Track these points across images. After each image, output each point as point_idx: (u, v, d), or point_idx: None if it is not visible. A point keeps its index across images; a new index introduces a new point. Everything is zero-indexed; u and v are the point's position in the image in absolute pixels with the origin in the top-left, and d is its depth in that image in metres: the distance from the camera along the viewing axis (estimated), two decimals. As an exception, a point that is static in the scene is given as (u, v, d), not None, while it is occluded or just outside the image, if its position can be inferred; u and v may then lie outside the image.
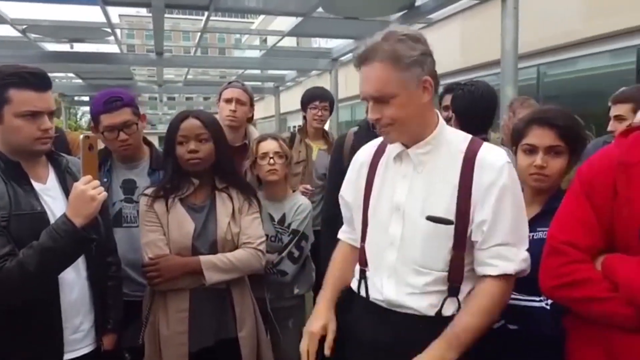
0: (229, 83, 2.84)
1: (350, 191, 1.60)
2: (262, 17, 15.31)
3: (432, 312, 1.36)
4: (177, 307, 1.87)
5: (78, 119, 18.92)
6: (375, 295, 1.44)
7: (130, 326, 1.92)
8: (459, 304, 1.36)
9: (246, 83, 2.90)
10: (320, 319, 1.51)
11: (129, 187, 2.16)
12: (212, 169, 1.98)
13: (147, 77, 9.55)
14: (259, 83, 10.01)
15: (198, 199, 1.98)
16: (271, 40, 6.76)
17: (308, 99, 3.29)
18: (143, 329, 1.92)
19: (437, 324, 1.33)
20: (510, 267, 1.32)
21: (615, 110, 2.18)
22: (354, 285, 1.54)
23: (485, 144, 1.40)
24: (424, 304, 1.36)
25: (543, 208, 1.56)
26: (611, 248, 1.19)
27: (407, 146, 1.41)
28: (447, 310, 1.35)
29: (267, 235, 2.16)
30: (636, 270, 1.09)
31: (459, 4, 5.62)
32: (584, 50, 6.01)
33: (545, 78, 6.68)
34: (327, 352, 1.45)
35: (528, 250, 1.43)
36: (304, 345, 1.48)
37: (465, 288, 1.37)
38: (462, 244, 1.34)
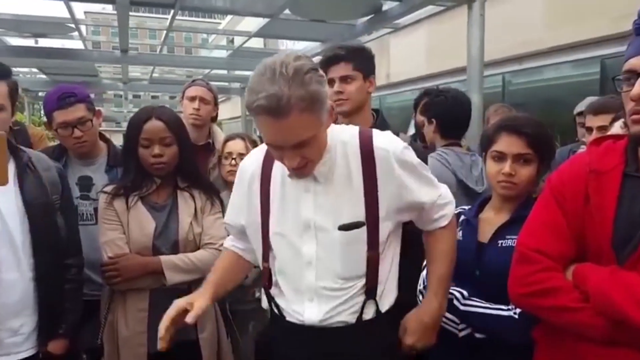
0: (193, 81, 2.79)
1: (242, 213, 1.44)
2: (229, 17, 15.20)
3: (353, 320, 1.33)
4: (137, 306, 1.85)
5: (42, 115, 18.32)
6: (293, 318, 1.37)
7: (88, 326, 1.89)
8: (377, 306, 1.35)
9: (212, 83, 2.84)
10: (190, 298, 1.43)
11: (85, 184, 2.12)
12: (174, 169, 1.95)
13: (112, 75, 9.31)
14: (226, 83, 9.92)
15: (159, 198, 1.95)
16: (238, 41, 6.68)
17: None
18: (101, 329, 1.88)
19: (359, 330, 1.33)
20: (451, 209, 1.45)
21: (597, 121, 2.20)
22: (264, 304, 1.47)
23: (374, 131, 1.35)
24: (346, 314, 1.33)
25: (512, 216, 1.56)
26: (582, 256, 1.18)
27: None
28: (367, 314, 1.34)
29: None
30: (607, 280, 1.07)
31: (425, 9, 5.67)
32: (548, 60, 6.14)
33: (510, 86, 6.80)
34: (188, 320, 1.37)
35: (496, 257, 1.49)
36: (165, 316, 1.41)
37: (381, 287, 1.35)
38: (376, 243, 1.32)
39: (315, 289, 1.32)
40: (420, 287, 1.63)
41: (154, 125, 1.87)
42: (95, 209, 2.02)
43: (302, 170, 1.25)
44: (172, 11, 4.78)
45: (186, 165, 1.96)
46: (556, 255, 1.18)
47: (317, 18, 4.89)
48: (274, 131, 1.16)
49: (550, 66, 6.23)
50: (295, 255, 1.34)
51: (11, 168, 1.61)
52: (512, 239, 1.47)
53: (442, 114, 2.35)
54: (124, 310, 1.85)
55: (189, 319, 1.36)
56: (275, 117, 1.11)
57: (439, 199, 1.41)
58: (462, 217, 1.66)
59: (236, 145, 2.33)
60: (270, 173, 1.38)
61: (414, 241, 1.50)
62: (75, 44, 6.68)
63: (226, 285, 1.53)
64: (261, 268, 1.44)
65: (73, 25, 5.36)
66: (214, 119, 2.79)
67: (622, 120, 1.25)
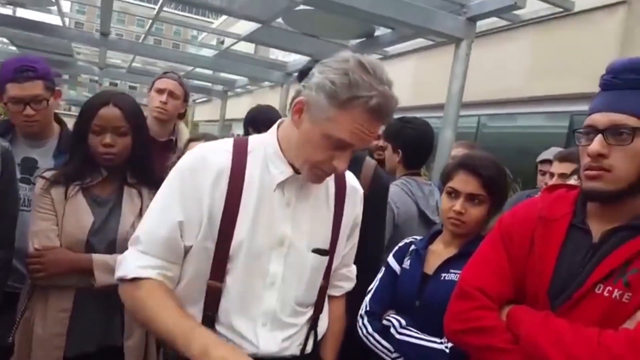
0: (164, 73, 2.68)
1: (194, 210, 1.16)
2: (223, 18, 15.14)
3: (298, 352, 1.26)
4: (59, 306, 1.68)
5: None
6: (235, 344, 1.17)
7: (2, 321, 1.72)
8: (316, 336, 1.31)
9: (195, 82, 2.74)
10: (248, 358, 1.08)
11: (28, 166, 1.94)
12: (125, 162, 1.80)
13: (89, 58, 9.06)
14: (209, 84, 9.79)
15: (103, 191, 1.79)
16: (228, 43, 6.62)
17: (267, 124, 3.10)
18: (15, 327, 1.70)
19: None
20: (351, 286, 1.45)
21: (561, 168, 2.26)
22: None
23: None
24: (294, 345, 1.26)
25: (459, 251, 1.57)
26: (520, 299, 1.19)
27: (295, 170, 1.19)
28: (309, 346, 1.29)
29: None
30: (539, 325, 1.08)
31: (415, 42, 5.77)
32: (522, 109, 6.32)
33: (484, 129, 6.96)
34: None
35: (437, 290, 1.51)
36: None
37: (322, 315, 1.35)
38: (329, 273, 1.31)
39: (272, 314, 1.21)
40: (362, 311, 1.62)
41: (110, 111, 1.72)
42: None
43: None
44: (160, 0, 4.70)
45: (138, 160, 1.81)
46: (495, 295, 1.19)
47: (309, 32, 4.90)
48: (368, 132, 1.10)
49: (523, 115, 6.42)
50: (258, 274, 1.19)
51: None
52: (456, 273, 1.49)
53: (409, 145, 2.37)
54: (44, 309, 1.68)
55: None
56: (381, 118, 1.09)
57: (349, 270, 1.45)
58: (412, 247, 1.68)
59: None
60: (243, 175, 1.19)
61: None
62: (53, 19, 6.45)
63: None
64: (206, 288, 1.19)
65: (53, -1, 5.20)
66: (181, 115, 2.69)
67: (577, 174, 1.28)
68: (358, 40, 4.96)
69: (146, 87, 12.98)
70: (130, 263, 1.18)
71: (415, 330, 1.48)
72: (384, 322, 1.54)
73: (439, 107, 6.43)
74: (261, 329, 1.20)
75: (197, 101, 12.62)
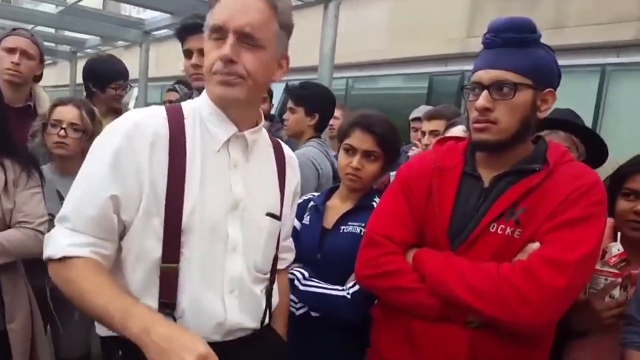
0: (13, 30, 2.34)
1: (131, 182, 1.04)
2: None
3: (258, 324, 1.21)
4: None
5: None
6: (203, 331, 1.04)
7: None
8: (270, 307, 1.26)
9: None
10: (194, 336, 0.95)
11: None
12: None
13: None
14: (52, 44, 8.71)
15: None
16: (73, -1, 5.90)
17: (110, 77, 2.76)
18: None
19: (262, 335, 1.21)
20: (292, 256, 1.44)
21: (430, 126, 2.44)
22: None
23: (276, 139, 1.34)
24: (259, 317, 1.21)
25: (355, 205, 1.65)
26: (422, 243, 1.29)
27: (238, 128, 1.14)
28: (267, 317, 1.24)
29: (51, 215, 1.78)
30: (441, 264, 1.19)
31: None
32: (385, 71, 6.70)
33: (352, 90, 7.26)
34: None
35: (336, 242, 1.58)
36: None
37: (275, 286, 1.31)
38: (279, 242, 1.29)
39: (239, 280, 1.14)
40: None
41: None
42: None
43: (233, 80, 1.05)
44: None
45: None
46: (399, 241, 1.28)
47: (168, -14, 4.57)
48: (226, 6, 1.06)
49: (385, 77, 6.81)
50: (216, 240, 1.10)
51: None
52: (353, 225, 1.59)
53: (323, 110, 2.46)
54: None
55: None
56: None
57: (289, 237, 1.41)
58: (311, 204, 1.73)
59: (68, 113, 1.97)
60: (184, 141, 1.09)
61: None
62: None
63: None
64: (159, 273, 1.07)
65: None
66: (37, 78, 2.39)
67: (463, 125, 1.39)
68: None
69: None
70: (59, 241, 1.04)
71: (317, 281, 1.55)
72: (289, 275, 1.54)
73: (308, 69, 6.57)
74: (229, 297, 1.12)
75: (39, 64, 11.25)
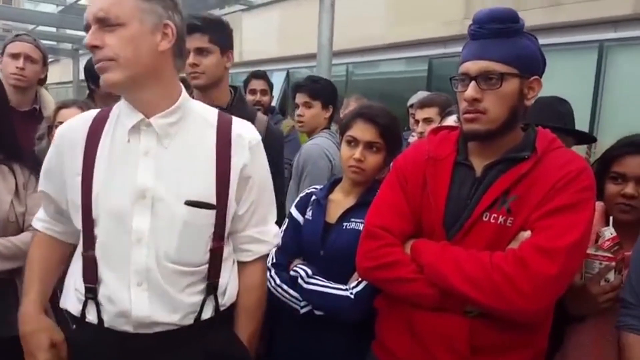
0: (17, 36, 2.40)
1: (55, 183, 1.25)
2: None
3: (191, 320, 1.20)
4: None
5: None
6: (114, 320, 1.16)
7: None
8: (217, 303, 1.24)
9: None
10: (41, 330, 1.25)
11: None
12: None
13: None
14: (54, 43, 8.77)
15: None
16: (72, -3, 5.94)
17: None
18: None
19: (195, 332, 1.20)
20: (264, 249, 1.34)
21: (423, 114, 2.45)
22: (73, 308, 1.21)
23: (234, 118, 1.29)
24: (182, 312, 1.18)
25: (358, 200, 1.62)
26: (419, 233, 1.31)
27: (145, 114, 1.16)
28: (206, 313, 1.22)
29: None
30: (439, 254, 1.21)
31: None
32: (384, 55, 6.68)
33: (353, 76, 7.26)
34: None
35: (340, 238, 1.54)
36: None
37: (223, 281, 1.25)
38: (222, 233, 1.22)
39: (145, 272, 1.14)
40: (268, 263, 1.61)
41: None
42: None
43: (105, 65, 1.09)
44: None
45: (4, 136, 1.70)
46: (397, 232, 1.30)
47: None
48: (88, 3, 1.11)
49: (386, 61, 6.80)
50: (122, 231, 1.14)
51: None
52: (356, 221, 1.55)
53: (335, 101, 2.57)
54: None
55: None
56: None
57: (260, 232, 1.31)
58: (313, 197, 1.70)
59: (71, 114, 2.00)
60: (97, 141, 1.18)
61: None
62: None
63: (52, 280, 1.32)
64: (81, 259, 1.20)
65: None
66: (41, 81, 2.45)
67: (456, 115, 1.40)
68: (220, -8, 4.80)
69: None
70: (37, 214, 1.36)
71: (321, 279, 1.52)
72: (292, 272, 1.56)
73: (306, 57, 6.58)
74: (136, 289, 1.15)
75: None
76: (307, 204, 1.70)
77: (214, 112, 1.27)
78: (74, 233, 1.24)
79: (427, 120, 2.40)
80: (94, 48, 1.08)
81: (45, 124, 2.09)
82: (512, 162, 1.23)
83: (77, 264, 1.23)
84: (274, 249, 1.62)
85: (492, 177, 1.23)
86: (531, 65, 1.23)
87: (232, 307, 1.30)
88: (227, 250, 1.26)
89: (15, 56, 2.30)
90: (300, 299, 1.53)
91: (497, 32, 1.19)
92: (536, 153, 1.21)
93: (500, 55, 1.19)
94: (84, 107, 2.07)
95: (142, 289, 1.15)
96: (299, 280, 1.53)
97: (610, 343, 1.34)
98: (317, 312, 1.52)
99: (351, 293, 1.47)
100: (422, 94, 3.16)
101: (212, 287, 1.22)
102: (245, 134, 1.25)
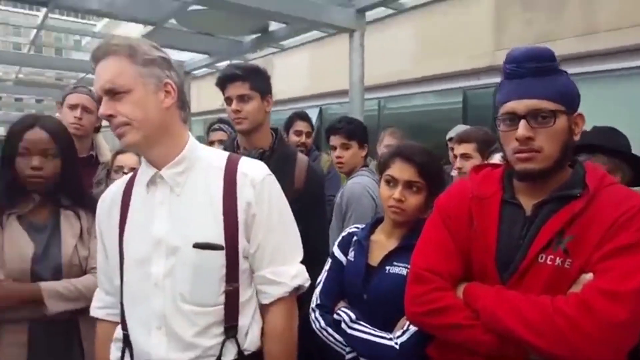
0: (75, 88, 2.57)
1: (106, 241, 1.36)
2: (106, 19, 14.23)
3: None
4: (14, 341, 1.63)
5: None
6: (141, 358, 1.24)
7: None
8: (239, 346, 1.24)
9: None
10: None
11: None
12: (56, 185, 1.77)
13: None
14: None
15: (39, 217, 1.76)
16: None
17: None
18: None
19: None
20: (280, 291, 1.29)
21: (460, 149, 2.45)
22: (114, 356, 1.31)
23: (243, 158, 1.33)
24: (200, 354, 1.21)
25: (401, 243, 1.58)
26: (469, 274, 1.27)
27: (157, 168, 1.26)
28: (227, 355, 1.23)
29: None
30: (494, 299, 1.15)
31: (309, 34, 5.89)
32: (417, 88, 6.72)
33: (385, 110, 7.31)
34: None
35: (382, 283, 1.50)
36: None
37: (244, 324, 1.26)
38: (235, 274, 1.23)
39: (163, 316, 1.20)
40: (312, 304, 1.62)
41: (36, 134, 1.70)
42: None
43: (122, 130, 1.19)
44: (44, 9, 4.37)
45: (70, 182, 1.79)
46: (446, 274, 1.25)
47: (203, 31, 4.82)
48: (95, 79, 1.21)
49: (418, 94, 6.83)
50: (143, 277, 1.23)
51: None
52: (399, 266, 1.51)
53: (367, 140, 2.61)
54: (0, 346, 1.62)
55: None
56: (97, 61, 1.21)
57: (274, 272, 1.28)
58: (355, 238, 1.68)
59: (128, 159, 2.19)
60: (129, 198, 1.30)
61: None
62: None
63: None
64: (119, 310, 1.30)
65: None
66: (97, 129, 2.61)
67: (501, 154, 1.38)
68: (253, 36, 4.97)
69: (34, 99, 12.02)
70: (93, 302, 1.43)
71: (365, 325, 1.48)
72: (335, 316, 1.53)
73: (337, 93, 6.68)
74: (156, 333, 1.21)
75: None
76: (349, 244, 1.68)
77: (224, 155, 1.33)
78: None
79: (465, 157, 2.40)
80: (109, 117, 1.19)
81: (104, 169, 2.24)
82: (563, 200, 1.19)
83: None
84: (317, 290, 1.62)
85: (544, 216, 1.19)
86: (573, 101, 1.22)
87: (260, 354, 1.29)
88: (247, 292, 1.27)
89: (73, 107, 2.46)
90: (345, 344, 1.50)
91: (536, 70, 1.18)
92: (588, 190, 1.17)
93: (546, 93, 1.18)
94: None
95: (161, 333, 1.21)
96: (342, 324, 1.50)
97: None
98: None
99: (396, 343, 1.42)
100: (460, 128, 3.16)
101: (230, 329, 1.23)
102: (249, 172, 1.27)
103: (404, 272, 1.48)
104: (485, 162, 1.93)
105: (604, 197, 1.17)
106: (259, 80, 1.97)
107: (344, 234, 1.75)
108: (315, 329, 1.56)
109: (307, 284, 1.34)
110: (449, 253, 1.27)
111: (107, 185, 2.17)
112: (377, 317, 1.49)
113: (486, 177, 1.34)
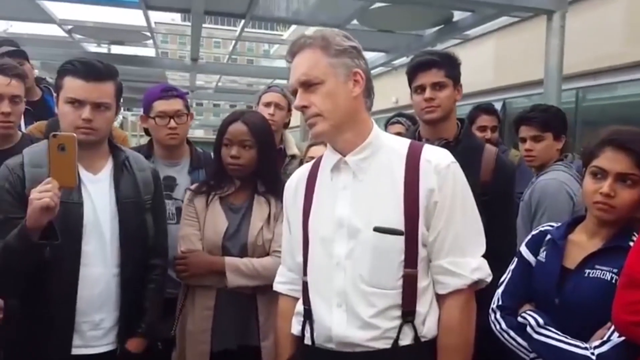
0: (269, 87, 2.89)
1: (291, 221, 1.46)
2: (292, 28, 15.50)
3: (388, 344, 1.24)
4: (204, 304, 1.89)
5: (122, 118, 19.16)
6: (322, 338, 1.30)
7: (166, 318, 1.94)
8: (416, 332, 1.25)
9: None
10: None
11: (169, 183, 2.19)
12: (254, 172, 1.97)
13: (179, 83, 9.70)
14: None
15: (237, 199, 1.99)
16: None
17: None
18: (175, 323, 1.95)
19: (394, 357, 1.24)
20: (458, 282, 1.26)
21: None
22: (295, 329, 1.40)
23: (427, 145, 1.34)
24: (378, 335, 1.24)
25: (606, 244, 1.41)
26: None
27: (343, 154, 1.31)
28: (404, 339, 1.24)
29: None
30: None
31: (495, 21, 5.54)
32: (624, 76, 5.84)
33: (583, 102, 6.51)
34: None
35: (580, 287, 1.37)
36: None
37: (421, 310, 1.26)
38: (413, 260, 1.24)
39: (344, 294, 1.26)
40: (493, 305, 1.54)
41: (237, 127, 1.93)
42: (177, 209, 2.11)
43: (313, 120, 1.26)
44: (242, 21, 4.91)
45: (266, 170, 1.98)
46: None
47: (385, 29, 4.88)
48: (290, 73, 1.30)
49: (626, 83, 5.93)
50: (326, 256, 1.30)
51: (108, 165, 1.72)
52: (602, 269, 1.36)
53: (566, 132, 2.38)
54: (193, 307, 1.90)
55: None
56: (293, 55, 1.29)
57: (454, 263, 1.26)
58: (548, 237, 1.54)
59: (319, 151, 2.32)
60: (314, 182, 1.39)
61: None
62: (147, 51, 6.99)
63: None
64: (301, 284, 1.39)
65: (149, 34, 5.63)
66: (286, 124, 2.85)
67: None
68: (436, 28, 4.86)
69: (228, 104, 13.79)
70: (276, 277, 1.54)
71: (555, 331, 1.37)
72: (520, 319, 1.45)
73: (523, 85, 6.17)
74: (337, 310, 1.27)
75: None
76: (541, 243, 1.55)
77: (406, 142, 1.35)
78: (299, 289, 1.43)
79: None
80: (303, 108, 1.27)
81: (289, 161, 2.48)
82: None
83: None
84: (499, 290, 1.54)
85: None
86: None
87: (435, 342, 1.29)
88: (425, 280, 1.28)
89: (267, 105, 2.73)
90: (530, 349, 1.41)
91: None
92: None
93: None
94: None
95: (341, 310, 1.26)
96: (528, 328, 1.40)
97: None
98: None
99: (592, 353, 1.28)
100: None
101: (408, 314, 1.25)
102: (433, 159, 1.27)
103: (608, 276, 1.35)
104: None
105: None
106: (453, 68, 1.94)
107: (534, 232, 1.63)
108: (495, 331, 1.50)
109: (489, 279, 1.30)
110: None
111: None
112: (569, 325, 1.36)
113: None
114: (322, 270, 1.31)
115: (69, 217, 1.55)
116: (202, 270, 1.87)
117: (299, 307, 1.40)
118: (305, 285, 1.37)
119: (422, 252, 1.26)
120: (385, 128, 3.08)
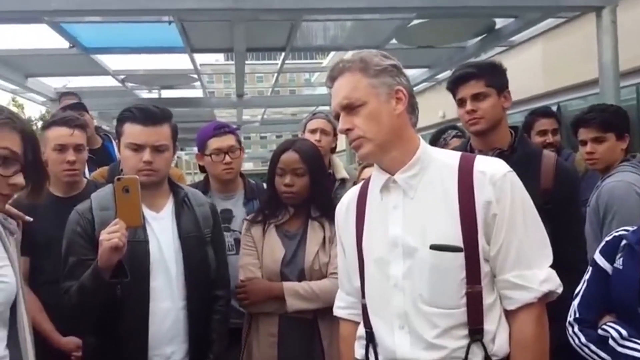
0: (313, 114, 2.90)
1: (344, 245, 1.44)
2: (332, 54, 15.75)
3: None
4: (267, 331, 1.92)
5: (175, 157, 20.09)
6: (384, 353, 1.27)
7: (232, 348, 1.98)
8: (486, 350, 1.19)
9: None
10: None
11: (226, 216, 2.25)
12: (308, 199, 2.01)
13: (227, 119, 10.02)
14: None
15: (292, 226, 2.04)
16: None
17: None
18: (242, 351, 1.99)
19: None
20: (527, 296, 1.20)
21: None
22: (359, 353, 1.37)
23: (479, 156, 1.30)
24: (445, 356, 1.19)
25: None
26: None
27: (391, 173, 1.29)
28: (474, 359, 1.19)
29: None
30: None
31: (539, 25, 5.37)
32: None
33: (646, 99, 6.14)
34: None
35: None
36: None
37: (490, 328, 1.20)
38: (476, 276, 1.19)
39: (404, 316, 1.23)
40: (570, 318, 1.47)
41: (289, 156, 1.97)
42: (236, 240, 2.18)
43: (358, 142, 1.26)
44: (282, 54, 5.01)
45: (319, 196, 2.02)
46: None
47: (425, 44, 4.84)
48: (332, 97, 1.31)
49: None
50: (383, 278, 1.27)
51: (169, 203, 1.79)
52: None
53: (629, 129, 2.28)
54: (257, 335, 1.94)
55: None
56: (333, 80, 1.30)
57: (520, 276, 1.21)
58: (624, 242, 1.46)
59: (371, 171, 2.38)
60: (364, 203, 1.37)
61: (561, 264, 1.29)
62: (195, 93, 7.28)
63: None
64: (360, 307, 1.38)
65: (195, 76, 5.87)
66: (333, 149, 2.88)
67: None
68: (478, 38, 4.77)
69: (275, 135, 14.10)
70: (336, 302, 1.52)
71: None
72: (600, 331, 1.38)
73: (578, 87, 5.90)
74: (399, 332, 1.24)
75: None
76: (616, 249, 1.47)
77: (457, 155, 1.31)
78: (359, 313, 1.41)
79: None
80: (347, 131, 1.27)
81: (339, 184, 2.52)
82: None
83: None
84: (575, 302, 1.47)
85: None
86: None
87: None
88: (491, 296, 1.23)
89: (313, 131, 2.77)
90: None
91: None
92: None
93: None
94: None
95: (404, 332, 1.23)
96: (611, 341, 1.34)
97: None
98: None
99: None
100: None
101: (475, 332, 1.20)
102: (488, 169, 1.23)
103: None
104: None
105: None
106: (495, 76, 1.90)
107: (608, 238, 1.55)
108: (574, 345, 1.44)
109: (560, 290, 1.24)
110: None
111: None
112: None
113: None
114: (379, 292, 1.29)
115: (136, 255, 1.61)
116: (262, 297, 1.91)
117: (361, 330, 1.38)
118: (364, 308, 1.35)
119: (484, 268, 1.22)
120: (435, 143, 3.00)
